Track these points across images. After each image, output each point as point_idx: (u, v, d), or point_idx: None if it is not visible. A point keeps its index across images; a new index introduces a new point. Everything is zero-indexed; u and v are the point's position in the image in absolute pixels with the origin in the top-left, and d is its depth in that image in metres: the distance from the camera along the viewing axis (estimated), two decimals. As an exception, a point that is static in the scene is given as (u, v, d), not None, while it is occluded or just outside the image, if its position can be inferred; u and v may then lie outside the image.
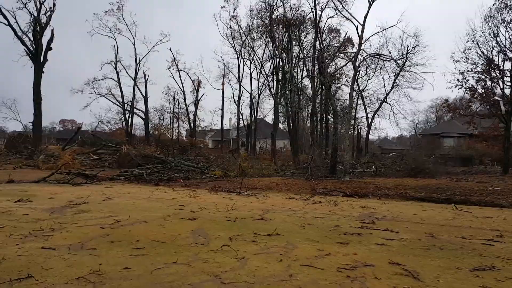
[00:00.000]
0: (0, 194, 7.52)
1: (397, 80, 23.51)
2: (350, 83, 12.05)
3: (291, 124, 22.64)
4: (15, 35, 23.69)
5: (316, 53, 16.18)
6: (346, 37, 23.74)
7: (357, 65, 11.72)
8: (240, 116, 42.39)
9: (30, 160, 18.17)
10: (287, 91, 21.38)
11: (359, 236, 3.94)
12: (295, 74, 32.44)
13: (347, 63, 14.64)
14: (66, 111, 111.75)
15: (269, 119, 49.68)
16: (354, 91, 21.19)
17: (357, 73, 11.96)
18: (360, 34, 11.38)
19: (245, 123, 39.42)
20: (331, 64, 13.40)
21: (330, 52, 12.45)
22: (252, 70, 41.27)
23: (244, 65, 41.04)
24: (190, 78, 44.20)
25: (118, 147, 24.69)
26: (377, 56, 13.10)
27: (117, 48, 43.22)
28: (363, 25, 11.46)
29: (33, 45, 24.18)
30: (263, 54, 38.42)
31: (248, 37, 38.27)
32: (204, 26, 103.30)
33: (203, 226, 4.49)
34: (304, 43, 30.02)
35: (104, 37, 45.29)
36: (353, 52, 12.18)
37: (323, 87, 24.49)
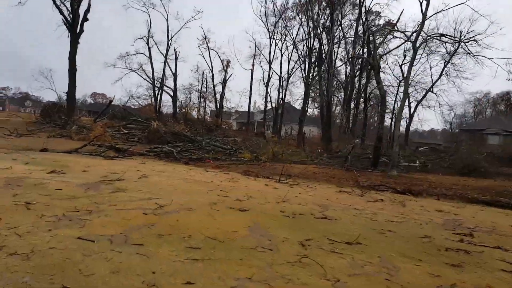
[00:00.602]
0: (34, 163, 7.19)
1: (446, 69, 21.45)
2: (408, 67, 10.69)
3: (325, 110, 21.37)
4: (54, 3, 23.62)
5: (366, 32, 14.73)
6: (389, 20, 21.79)
7: (417, 46, 10.30)
8: (268, 99, 41.27)
9: (63, 130, 18.31)
10: (323, 73, 20.02)
11: (469, 255, 3.04)
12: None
13: (402, 44, 13.11)
14: (97, 85, 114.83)
15: (297, 104, 48.23)
16: (398, 78, 19.52)
17: (415, 56, 10.55)
18: (424, 11, 9.91)
19: (273, 106, 38.23)
20: (381, 45, 12.06)
21: (383, 31, 11.08)
22: (283, 51, 39.66)
23: (275, 46, 39.52)
24: (219, 57, 43.37)
25: (148, 123, 24.64)
26: (439, 37, 11.43)
27: (150, 23, 42.81)
28: (428, 0, 9.95)
29: (70, 15, 24.06)
30: (296, 35, 36.66)
31: (282, 16, 36.50)
32: (238, 2, 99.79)
33: (258, 220, 3.76)
34: (343, 23, 28.12)
35: (138, 12, 44.93)
36: (411, 32, 10.76)
37: (361, 71, 22.87)
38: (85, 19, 24.37)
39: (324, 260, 2.61)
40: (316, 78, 24.06)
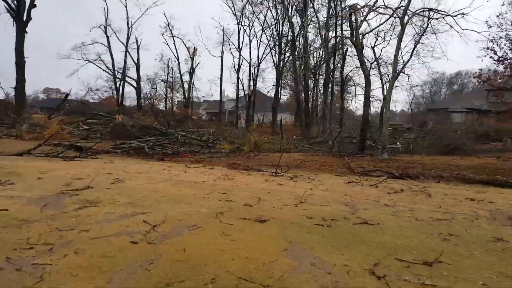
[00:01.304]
0: (-29, 172, 5.64)
1: (416, 49, 21.62)
2: (396, 44, 10.17)
3: (302, 95, 20.72)
4: (-8, -14, 20.38)
5: (347, 9, 14.12)
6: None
7: (405, 22, 9.75)
8: (240, 86, 39.95)
9: (13, 130, 15.95)
10: (299, 57, 19.24)
11: None
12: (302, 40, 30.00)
13: (387, 20, 12.46)
14: (50, 80, 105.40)
15: (269, 91, 47.39)
16: (367, 60, 19.26)
17: (403, 33, 10.01)
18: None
19: (245, 94, 37.04)
20: (362, 23, 11.40)
21: (366, 7, 10.43)
22: (252, 38, 38.35)
23: (244, 32, 38.05)
24: (185, 45, 41.08)
25: (111, 117, 22.53)
26: (428, 11, 10.95)
27: (107, 10, 39.42)
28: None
29: (15, 1, 20.92)
30: (264, 20, 35.44)
31: (250, 0, 34.95)
32: None
33: (289, 236, 2.83)
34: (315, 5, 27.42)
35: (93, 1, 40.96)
36: (397, 7, 10.18)
37: (335, 53, 22.39)
38: (33, 5, 21.34)
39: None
40: (291, 62, 23.23)
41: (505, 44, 16.90)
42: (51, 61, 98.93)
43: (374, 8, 10.52)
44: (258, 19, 35.38)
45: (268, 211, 3.69)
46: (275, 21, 32.56)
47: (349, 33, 11.76)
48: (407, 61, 22.87)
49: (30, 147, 11.50)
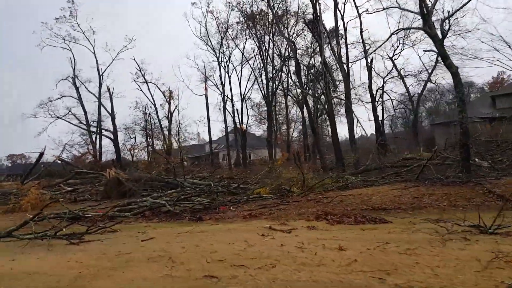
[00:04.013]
0: None
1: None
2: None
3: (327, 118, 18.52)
4: None
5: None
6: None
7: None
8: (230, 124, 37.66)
9: (-22, 203, 12.35)
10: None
11: None
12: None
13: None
14: (13, 145, 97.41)
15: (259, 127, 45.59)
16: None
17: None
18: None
19: (239, 131, 34.73)
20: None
21: None
22: (231, 73, 37.02)
23: (226, 67, 36.76)
24: (159, 89, 38.88)
25: (98, 173, 19.22)
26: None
27: (74, 60, 37.00)
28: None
29: None
30: (243, 53, 34.50)
31: (229, 31, 34.01)
32: (173, 27, 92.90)
33: None
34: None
35: (57, 49, 38.63)
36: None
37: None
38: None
39: None
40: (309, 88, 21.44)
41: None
42: (13, 124, 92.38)
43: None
44: (245, 49, 34.24)
45: None
46: (258, 49, 31.58)
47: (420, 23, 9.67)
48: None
49: (7, 224, 8.35)
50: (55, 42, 35.42)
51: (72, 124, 36.93)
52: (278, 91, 34.71)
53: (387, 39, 11.84)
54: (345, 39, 19.74)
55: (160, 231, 6.60)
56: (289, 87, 34.44)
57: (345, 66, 17.60)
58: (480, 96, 34.73)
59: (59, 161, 22.87)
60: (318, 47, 23.47)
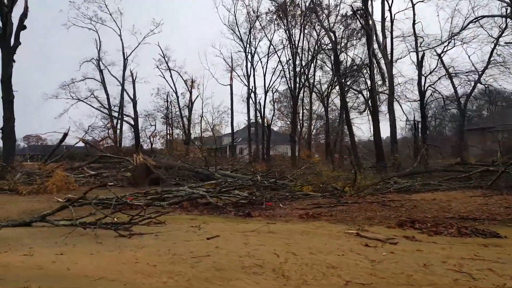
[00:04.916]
0: None
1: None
2: None
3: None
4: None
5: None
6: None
7: None
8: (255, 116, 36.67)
9: (3, 181, 11.77)
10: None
11: None
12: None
13: None
14: (31, 126, 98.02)
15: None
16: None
17: None
18: None
19: (263, 124, 33.67)
20: None
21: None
22: (255, 64, 35.97)
23: (252, 58, 35.73)
24: (182, 77, 38.20)
25: (122, 158, 18.62)
26: None
27: (100, 42, 36.62)
28: None
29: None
30: (270, 44, 33.35)
31: (258, 20, 32.92)
32: (200, 15, 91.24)
33: None
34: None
35: (83, 30, 38.33)
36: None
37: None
38: (22, 26, 17.94)
39: None
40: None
41: None
42: (32, 104, 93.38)
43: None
44: (269, 40, 33.17)
45: None
46: (287, 41, 30.40)
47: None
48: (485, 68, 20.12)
49: (34, 206, 7.68)
50: (81, 22, 35.08)
51: (93, 107, 36.72)
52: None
53: (463, 28, 10.47)
54: (391, 32, 18.38)
55: (214, 226, 5.67)
56: (314, 82, 33.20)
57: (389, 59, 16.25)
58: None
59: (83, 143, 22.37)
60: (356, 40, 22.11)
